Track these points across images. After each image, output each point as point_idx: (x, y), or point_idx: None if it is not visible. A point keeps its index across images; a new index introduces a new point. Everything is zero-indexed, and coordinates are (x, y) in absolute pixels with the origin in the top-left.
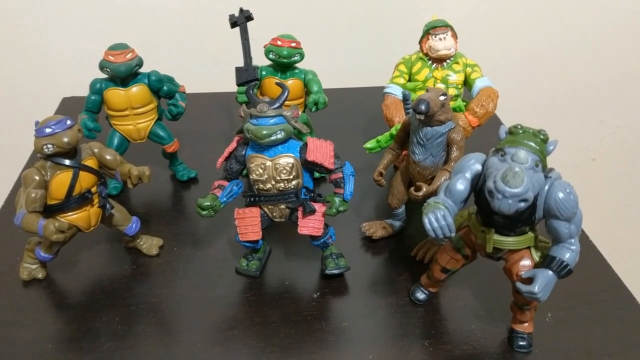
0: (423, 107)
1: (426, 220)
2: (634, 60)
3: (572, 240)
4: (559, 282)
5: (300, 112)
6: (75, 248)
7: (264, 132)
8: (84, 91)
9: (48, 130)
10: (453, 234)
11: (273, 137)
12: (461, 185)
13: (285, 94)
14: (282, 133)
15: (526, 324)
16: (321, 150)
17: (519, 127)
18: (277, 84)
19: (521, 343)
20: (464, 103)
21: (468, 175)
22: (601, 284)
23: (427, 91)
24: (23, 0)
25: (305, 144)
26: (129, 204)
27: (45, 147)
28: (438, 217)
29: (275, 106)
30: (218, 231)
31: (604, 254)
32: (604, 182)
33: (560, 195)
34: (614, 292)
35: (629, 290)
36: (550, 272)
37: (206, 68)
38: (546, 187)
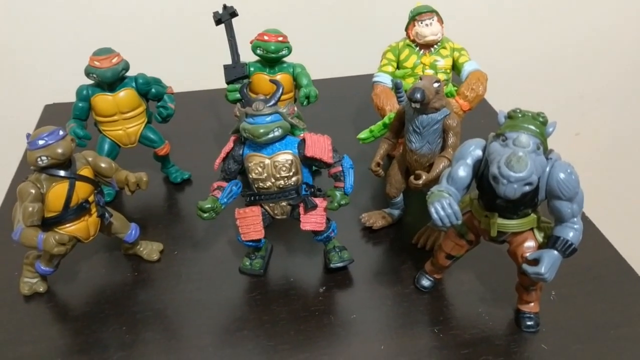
0: (418, 96)
1: (432, 210)
2: (610, 35)
3: (575, 220)
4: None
5: (295, 109)
6: (75, 259)
7: (261, 130)
8: (65, 98)
9: (41, 142)
10: (460, 222)
11: (270, 135)
12: (463, 172)
13: (280, 91)
14: (280, 130)
15: (532, 304)
16: (319, 145)
17: (518, 111)
18: (271, 81)
19: (529, 323)
20: (455, 88)
21: (469, 161)
22: (601, 259)
23: (421, 79)
24: None
25: (303, 140)
26: (123, 210)
27: (39, 159)
28: (444, 206)
29: (271, 104)
30: (217, 232)
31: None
32: (589, 156)
33: (562, 175)
34: (614, 266)
35: (628, 263)
36: (556, 252)
37: (189, 66)
38: (547, 169)
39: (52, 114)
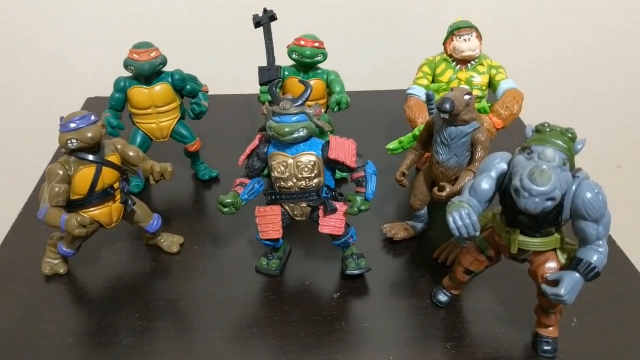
0: (448, 106)
1: (450, 219)
2: None
3: (600, 243)
4: (585, 286)
5: (322, 112)
6: (97, 244)
7: (287, 129)
8: (107, 92)
9: (72, 125)
10: (477, 233)
11: (295, 135)
12: (486, 184)
13: (308, 91)
14: (305, 131)
15: (551, 329)
16: (343, 149)
17: (546, 125)
18: (300, 81)
19: (546, 348)
20: (489, 105)
21: (493, 174)
22: (629, 290)
23: (452, 90)
24: (46, 3)
25: (328, 143)
26: (150, 202)
27: (69, 142)
28: (462, 216)
29: (298, 104)
30: (238, 230)
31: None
32: (631, 190)
33: (589, 195)
34: None
35: None
36: (577, 275)
37: (230, 70)
38: (574, 187)
39: (93, 107)
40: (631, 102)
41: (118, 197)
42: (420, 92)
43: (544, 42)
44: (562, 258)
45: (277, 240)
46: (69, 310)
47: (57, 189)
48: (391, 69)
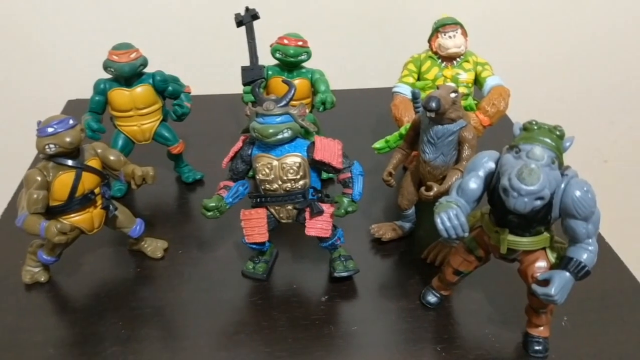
0: (434, 104)
1: (438, 220)
2: None
3: (590, 241)
4: (575, 285)
5: (307, 112)
6: (79, 251)
7: (270, 130)
8: (89, 93)
9: (50, 129)
10: (466, 234)
11: (279, 136)
12: (474, 184)
13: (292, 91)
14: (289, 132)
15: (542, 328)
16: (329, 150)
17: (534, 123)
18: (283, 81)
19: (537, 348)
20: (475, 102)
21: (481, 173)
22: (619, 287)
23: (438, 88)
24: (26, 2)
25: (313, 143)
26: (133, 206)
27: (47, 147)
28: (450, 217)
29: (282, 104)
30: (224, 234)
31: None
32: (617, 184)
33: (578, 193)
34: (632, 296)
35: None
36: (568, 274)
37: (212, 70)
38: (562, 185)
39: (74, 109)
40: (616, 97)
41: (99, 202)
42: (406, 90)
43: (529, 38)
44: (552, 257)
45: (263, 243)
46: (50, 320)
47: (35, 196)
48: (376, 66)
